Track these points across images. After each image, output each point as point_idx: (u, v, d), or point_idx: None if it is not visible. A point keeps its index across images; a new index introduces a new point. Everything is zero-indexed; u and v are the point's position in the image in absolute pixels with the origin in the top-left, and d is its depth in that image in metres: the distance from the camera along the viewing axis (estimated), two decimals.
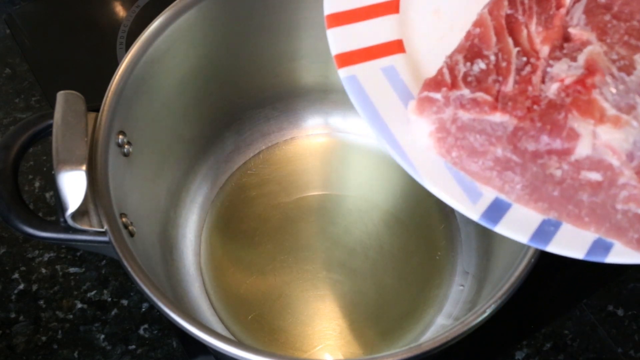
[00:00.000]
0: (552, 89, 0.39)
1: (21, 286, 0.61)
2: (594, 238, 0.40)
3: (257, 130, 0.66)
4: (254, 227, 0.62)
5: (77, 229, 0.45)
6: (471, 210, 0.40)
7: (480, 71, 0.40)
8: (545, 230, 0.40)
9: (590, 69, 0.39)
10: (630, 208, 0.39)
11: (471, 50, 0.41)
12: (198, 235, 0.62)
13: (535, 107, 0.39)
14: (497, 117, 0.39)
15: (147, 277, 0.44)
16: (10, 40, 0.74)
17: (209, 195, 0.63)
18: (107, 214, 0.45)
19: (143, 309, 0.60)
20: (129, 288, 0.61)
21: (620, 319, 0.60)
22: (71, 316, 0.60)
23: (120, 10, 0.75)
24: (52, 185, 0.65)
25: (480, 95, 0.39)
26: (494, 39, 0.41)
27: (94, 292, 0.61)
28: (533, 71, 0.40)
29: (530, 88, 0.40)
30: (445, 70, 0.40)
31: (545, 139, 0.39)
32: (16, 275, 0.62)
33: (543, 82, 0.40)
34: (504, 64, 0.40)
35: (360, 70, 0.43)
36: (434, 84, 0.40)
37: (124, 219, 0.47)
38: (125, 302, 0.61)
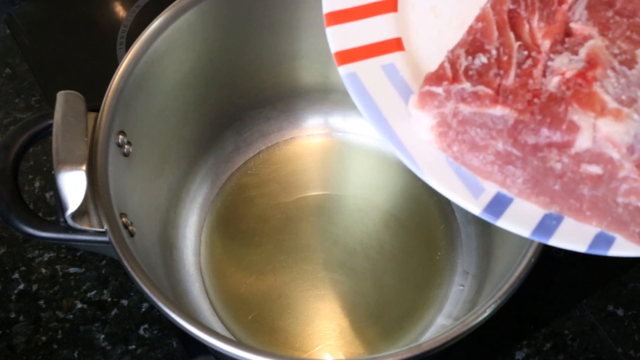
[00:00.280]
0: (553, 83, 0.39)
1: (21, 286, 0.61)
2: (596, 232, 0.40)
3: (257, 130, 0.66)
4: (254, 227, 0.62)
5: (77, 229, 0.45)
6: (473, 204, 0.41)
7: (482, 65, 0.40)
8: (548, 224, 0.40)
9: (592, 63, 0.39)
10: (631, 201, 0.38)
11: (473, 44, 0.41)
12: (198, 235, 0.62)
13: (535, 100, 0.39)
14: (498, 110, 0.39)
15: (147, 277, 0.44)
16: (10, 40, 0.74)
17: (209, 195, 0.63)
18: (107, 214, 0.45)
19: (143, 309, 0.60)
20: (129, 288, 0.61)
21: (620, 319, 0.60)
22: (71, 316, 0.60)
23: (120, 10, 0.75)
24: (52, 185, 0.65)
25: (481, 88, 0.39)
26: (495, 34, 0.41)
27: (94, 292, 0.61)
28: (534, 65, 0.40)
29: (531, 81, 0.40)
30: (447, 64, 0.41)
31: (545, 131, 0.39)
32: (16, 275, 0.62)
33: (544, 75, 0.40)
34: (505, 58, 0.40)
35: (361, 67, 0.43)
36: (436, 77, 0.40)
37: (124, 219, 0.47)
38: (125, 302, 0.61)
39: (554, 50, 0.41)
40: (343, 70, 0.43)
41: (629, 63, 0.39)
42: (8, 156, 0.46)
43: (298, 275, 0.59)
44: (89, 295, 0.61)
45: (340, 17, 0.45)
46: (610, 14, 0.41)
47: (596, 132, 0.38)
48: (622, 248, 0.40)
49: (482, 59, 0.41)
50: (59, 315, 0.60)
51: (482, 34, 0.41)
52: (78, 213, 0.44)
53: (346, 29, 0.44)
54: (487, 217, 0.40)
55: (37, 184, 0.66)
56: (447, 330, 0.42)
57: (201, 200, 0.63)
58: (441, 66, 0.41)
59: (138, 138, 0.52)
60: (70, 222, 0.44)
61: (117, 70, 0.50)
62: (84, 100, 0.47)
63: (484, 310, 0.43)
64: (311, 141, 0.67)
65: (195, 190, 0.63)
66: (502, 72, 0.40)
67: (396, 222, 0.62)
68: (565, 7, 0.42)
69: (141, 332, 0.59)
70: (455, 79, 0.40)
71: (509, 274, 0.44)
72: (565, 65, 0.40)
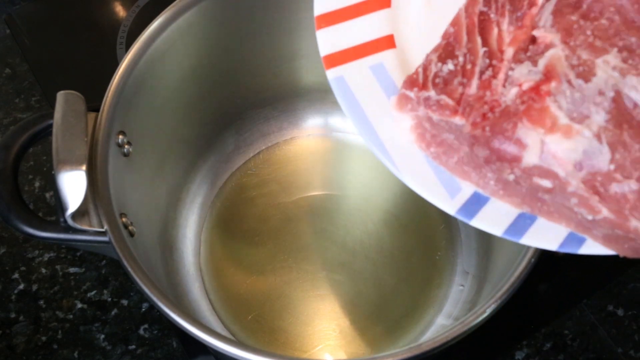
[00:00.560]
0: (511, 94, 0.39)
1: (21, 286, 0.61)
2: (568, 231, 0.40)
3: (257, 130, 0.66)
4: (254, 227, 0.62)
5: (77, 229, 0.45)
6: (448, 204, 0.41)
7: (449, 72, 0.41)
8: (521, 224, 0.41)
9: (548, 75, 0.39)
10: (582, 213, 0.39)
11: (445, 49, 0.41)
12: (198, 235, 0.62)
13: (489, 114, 0.39)
14: (458, 120, 0.40)
15: (147, 277, 0.44)
16: (10, 40, 0.74)
17: (209, 195, 0.63)
18: (107, 214, 0.45)
19: (143, 309, 0.60)
20: (129, 288, 0.61)
21: (620, 319, 0.60)
22: (71, 316, 0.60)
23: (120, 10, 0.75)
24: (52, 185, 0.65)
25: (443, 98, 0.40)
26: (465, 39, 0.41)
27: (94, 292, 0.61)
28: (494, 75, 0.40)
29: (488, 93, 0.40)
30: (420, 70, 0.41)
31: (495, 146, 0.39)
32: (16, 275, 0.62)
33: (504, 85, 0.40)
34: (469, 66, 0.41)
35: (348, 70, 0.43)
36: (410, 82, 0.41)
37: (124, 219, 0.47)
38: (125, 302, 0.61)
39: (516, 59, 0.40)
40: (330, 74, 0.43)
41: (586, 75, 0.39)
42: (8, 156, 0.46)
43: (298, 275, 0.59)
44: (89, 295, 0.61)
45: (332, 18, 0.45)
46: (575, 17, 0.40)
47: (543, 149, 0.38)
48: (593, 247, 0.40)
49: (449, 65, 0.41)
50: (59, 315, 0.60)
51: (454, 38, 0.41)
52: (78, 213, 0.44)
53: (337, 31, 0.44)
54: (461, 217, 0.41)
55: (37, 184, 0.66)
56: (447, 330, 0.42)
57: (201, 200, 0.63)
58: (416, 71, 0.41)
59: (138, 138, 0.52)
60: (70, 222, 0.44)
61: (117, 70, 0.50)
62: (84, 100, 0.47)
63: (484, 310, 0.43)
64: (311, 141, 0.67)
65: (195, 190, 0.63)
66: (465, 80, 0.40)
67: (396, 222, 0.62)
68: (535, 10, 0.42)
69: (141, 332, 0.59)
70: (424, 86, 0.40)
71: (509, 274, 0.44)
72: (524, 76, 0.39)
